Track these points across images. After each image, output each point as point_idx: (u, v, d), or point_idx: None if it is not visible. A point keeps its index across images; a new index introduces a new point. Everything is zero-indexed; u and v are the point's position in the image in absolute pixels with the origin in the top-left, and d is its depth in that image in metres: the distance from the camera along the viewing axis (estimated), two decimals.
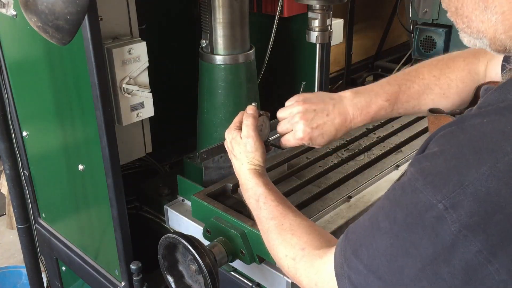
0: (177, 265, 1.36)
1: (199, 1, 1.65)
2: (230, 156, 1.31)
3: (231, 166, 1.34)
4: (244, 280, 1.47)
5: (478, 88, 1.02)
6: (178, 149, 2.07)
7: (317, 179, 1.59)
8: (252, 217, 1.37)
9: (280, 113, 1.29)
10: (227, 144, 1.31)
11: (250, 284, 1.45)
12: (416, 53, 2.77)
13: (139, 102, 1.58)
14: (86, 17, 1.22)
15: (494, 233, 0.65)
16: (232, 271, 1.49)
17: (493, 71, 1.18)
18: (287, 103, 1.29)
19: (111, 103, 1.51)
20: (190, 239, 1.27)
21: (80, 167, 1.59)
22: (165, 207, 1.68)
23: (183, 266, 1.35)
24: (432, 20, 2.67)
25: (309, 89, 2.11)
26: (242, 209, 1.42)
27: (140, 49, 1.54)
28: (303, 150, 1.73)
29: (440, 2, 2.75)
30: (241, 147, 1.25)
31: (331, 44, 2.09)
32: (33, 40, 1.54)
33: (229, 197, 1.52)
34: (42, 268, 2.16)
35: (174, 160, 2.11)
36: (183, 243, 1.27)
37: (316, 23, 1.66)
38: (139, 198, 1.87)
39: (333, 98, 1.25)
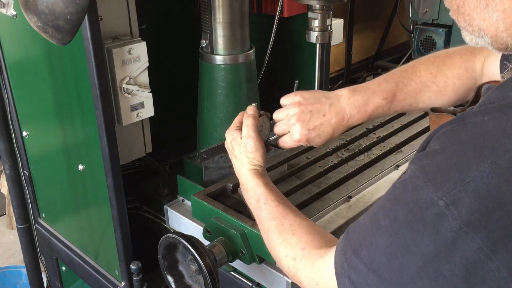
0: (177, 265, 1.36)
1: (199, 1, 1.65)
2: (231, 156, 1.31)
3: (231, 166, 1.34)
4: (244, 280, 1.47)
5: (479, 87, 1.02)
6: (178, 149, 2.07)
7: (317, 179, 1.59)
8: (252, 217, 1.37)
9: (277, 115, 1.28)
10: (228, 145, 1.31)
11: (250, 284, 1.45)
12: (416, 53, 2.77)
13: (139, 102, 1.58)
14: (86, 17, 1.22)
15: (494, 230, 0.65)
16: (232, 271, 1.49)
17: (490, 68, 1.19)
18: (283, 101, 1.28)
19: (111, 103, 1.51)
20: (190, 239, 1.27)
21: (80, 167, 1.59)
22: (165, 207, 1.68)
23: (183, 266, 1.35)
24: (432, 20, 2.67)
25: (309, 89, 2.11)
26: (242, 209, 1.42)
27: (140, 49, 1.54)
28: (303, 150, 1.73)
29: (440, 2, 2.75)
30: (241, 147, 1.25)
31: (331, 44, 2.09)
32: (33, 40, 1.54)
33: (229, 197, 1.52)
34: (42, 268, 2.16)
35: (174, 160, 2.10)
36: (183, 243, 1.27)
37: (316, 23, 1.66)
38: (139, 198, 1.87)
39: (329, 98, 1.24)
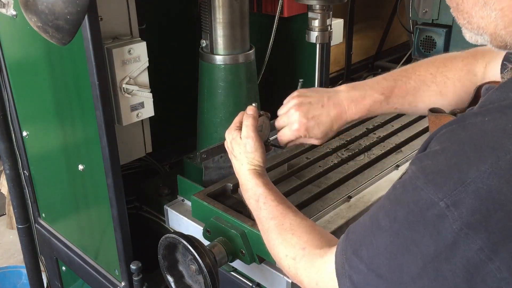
0: (177, 265, 1.36)
1: (199, 1, 1.65)
2: (230, 156, 1.31)
3: (231, 166, 1.34)
4: (244, 280, 1.47)
5: (479, 88, 1.02)
6: (178, 149, 2.07)
7: (317, 179, 1.59)
8: (252, 217, 1.37)
9: (280, 111, 1.31)
10: (227, 145, 1.31)
11: (250, 284, 1.45)
12: (416, 53, 2.77)
13: (139, 102, 1.58)
14: (86, 17, 1.22)
15: (495, 231, 0.65)
16: (232, 271, 1.49)
17: (492, 73, 1.19)
18: (285, 101, 1.30)
19: (111, 103, 1.51)
20: (190, 239, 1.27)
21: (80, 167, 1.59)
22: (165, 207, 1.68)
23: (183, 266, 1.35)
24: (432, 20, 2.67)
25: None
26: (242, 209, 1.42)
27: (140, 49, 1.54)
28: (303, 150, 1.73)
29: (440, 2, 2.75)
30: (241, 147, 1.25)
31: (331, 44, 2.09)
32: (33, 40, 1.54)
33: (229, 197, 1.52)
34: (42, 268, 2.16)
35: (174, 160, 2.10)
36: (183, 243, 1.27)
37: (316, 23, 1.66)
38: (139, 198, 1.87)
39: (328, 91, 1.27)
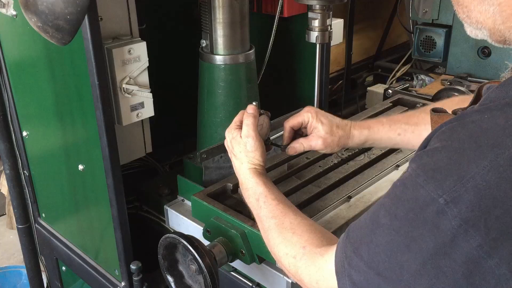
0: (177, 265, 1.36)
1: (199, 1, 1.65)
2: (230, 155, 1.31)
3: (231, 166, 1.34)
4: (244, 280, 1.47)
5: (480, 88, 1.02)
6: (178, 149, 2.07)
7: (317, 179, 1.59)
8: (252, 217, 1.37)
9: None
10: (227, 144, 1.31)
11: (250, 284, 1.45)
12: (416, 53, 2.78)
13: (139, 102, 1.58)
14: (86, 17, 1.22)
15: (494, 227, 0.66)
16: (232, 271, 1.49)
17: None
18: None
19: (111, 103, 1.51)
20: (190, 239, 1.27)
21: (80, 167, 1.59)
22: (165, 207, 1.68)
23: (183, 266, 1.35)
24: (432, 20, 2.67)
25: (309, 89, 2.11)
26: (242, 209, 1.42)
27: (140, 49, 1.54)
28: None
29: (440, 2, 2.75)
30: (241, 146, 1.25)
31: (331, 44, 2.09)
32: (33, 40, 1.54)
33: (229, 197, 1.52)
34: (42, 268, 2.16)
35: (174, 160, 2.10)
36: (183, 243, 1.27)
37: (316, 23, 1.66)
38: (139, 198, 1.87)
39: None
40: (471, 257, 0.67)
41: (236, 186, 1.51)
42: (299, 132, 1.40)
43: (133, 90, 1.55)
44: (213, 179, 1.65)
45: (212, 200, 1.46)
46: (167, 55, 2.06)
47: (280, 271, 1.34)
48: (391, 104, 2.09)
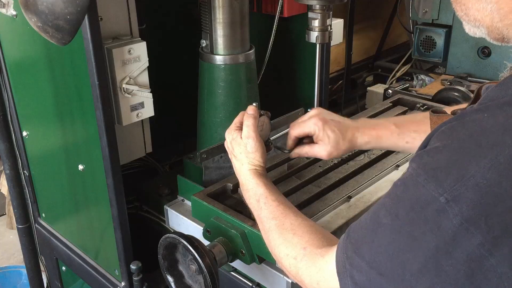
0: (177, 265, 1.36)
1: (199, 1, 1.65)
2: (230, 156, 1.31)
3: (231, 166, 1.34)
4: (244, 280, 1.47)
5: (479, 88, 1.03)
6: (178, 149, 2.07)
7: (317, 179, 1.59)
8: (252, 217, 1.37)
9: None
10: (227, 145, 1.31)
11: (250, 284, 1.45)
12: (416, 53, 2.78)
13: (139, 102, 1.58)
14: (86, 17, 1.22)
15: (495, 225, 0.66)
16: (232, 271, 1.49)
17: None
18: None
19: (111, 103, 1.51)
20: (190, 239, 1.27)
21: (80, 167, 1.59)
22: (165, 207, 1.68)
23: (183, 266, 1.35)
24: (432, 20, 2.68)
25: (309, 88, 2.11)
26: (242, 209, 1.42)
27: (140, 49, 1.54)
28: None
29: (440, 2, 2.74)
30: (242, 147, 1.25)
31: (331, 44, 2.09)
32: (33, 40, 1.54)
33: (229, 197, 1.52)
34: (42, 268, 2.16)
35: (174, 160, 2.10)
36: (183, 243, 1.27)
37: (316, 23, 1.65)
38: (139, 198, 1.87)
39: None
40: (473, 255, 0.67)
41: (236, 186, 1.51)
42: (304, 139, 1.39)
43: (133, 90, 1.55)
44: (213, 179, 1.65)
45: (212, 200, 1.46)
46: (167, 55, 2.06)
47: (280, 271, 1.34)
48: (391, 104, 2.09)
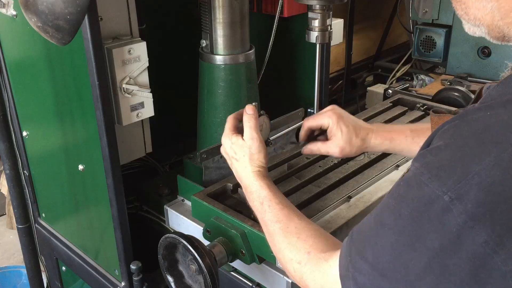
0: (177, 265, 1.36)
1: (199, 1, 1.65)
2: (230, 161, 1.29)
3: None
4: (244, 280, 1.47)
5: (481, 88, 1.03)
6: (178, 149, 2.07)
7: (317, 179, 1.59)
8: (252, 217, 1.37)
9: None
10: (226, 150, 1.29)
11: (250, 284, 1.45)
12: (416, 53, 2.78)
13: (139, 102, 1.58)
14: (86, 17, 1.22)
15: (500, 223, 0.65)
16: (232, 271, 1.49)
17: None
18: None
19: (111, 103, 1.51)
20: (190, 239, 1.27)
21: (80, 167, 1.59)
22: (165, 207, 1.68)
23: (183, 266, 1.35)
24: (432, 20, 2.68)
25: (309, 88, 2.11)
26: (242, 209, 1.42)
27: (140, 49, 1.54)
28: None
29: (440, 2, 2.74)
30: (245, 149, 1.24)
31: (331, 44, 2.09)
32: (33, 40, 1.54)
33: (229, 197, 1.52)
34: (42, 268, 2.16)
35: (174, 160, 2.10)
36: (183, 243, 1.27)
37: (316, 23, 1.65)
38: (139, 198, 1.87)
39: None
40: (477, 254, 0.67)
41: (236, 186, 1.51)
42: (316, 132, 1.39)
43: (133, 90, 1.55)
44: (213, 179, 1.65)
45: (212, 200, 1.46)
46: (167, 55, 2.06)
47: (280, 271, 1.34)
48: (391, 104, 2.09)
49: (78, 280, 2.02)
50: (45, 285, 2.23)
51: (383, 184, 1.58)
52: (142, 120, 1.66)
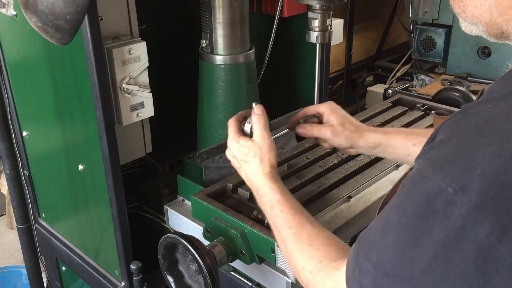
0: (177, 265, 1.36)
1: (199, 1, 1.65)
2: (239, 164, 1.26)
3: (231, 166, 1.33)
4: (244, 280, 1.47)
5: (484, 89, 1.04)
6: (178, 149, 2.07)
7: (317, 179, 1.59)
8: (252, 217, 1.37)
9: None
10: (233, 153, 1.27)
11: (250, 284, 1.45)
12: (416, 53, 2.78)
13: (139, 102, 1.58)
14: (86, 17, 1.22)
15: (503, 212, 0.65)
16: (232, 271, 1.49)
17: None
18: None
19: (111, 103, 1.51)
20: (190, 239, 1.27)
21: (80, 167, 1.59)
22: (165, 207, 1.68)
23: (183, 266, 1.35)
24: (432, 20, 2.68)
25: (309, 88, 2.11)
26: (242, 209, 1.42)
27: (140, 49, 1.54)
28: (303, 150, 1.73)
29: (440, 2, 2.74)
30: (256, 150, 1.22)
31: (331, 44, 2.09)
32: (33, 40, 1.54)
33: (229, 197, 1.52)
34: (42, 268, 2.16)
35: (174, 160, 2.10)
36: (183, 243, 1.27)
37: (316, 23, 1.65)
38: (139, 198, 1.87)
39: None
40: (482, 245, 0.66)
41: (236, 186, 1.51)
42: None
43: (133, 90, 1.55)
44: (213, 179, 1.65)
45: (212, 200, 1.46)
46: (167, 55, 2.06)
47: (280, 271, 1.34)
48: (391, 104, 2.09)
49: (78, 280, 2.02)
50: (45, 285, 2.23)
51: (383, 184, 1.58)
52: (142, 120, 1.67)
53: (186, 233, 1.32)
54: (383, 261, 0.76)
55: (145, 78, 1.58)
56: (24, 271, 2.31)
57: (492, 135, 0.68)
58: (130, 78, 1.54)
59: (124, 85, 1.53)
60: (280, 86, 2.27)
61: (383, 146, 1.35)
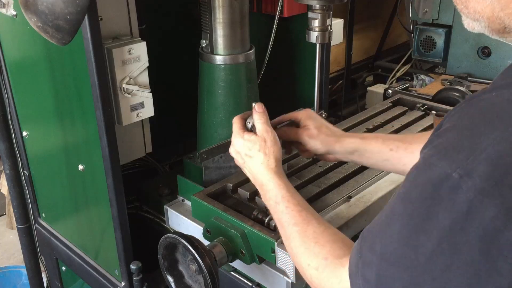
0: (177, 265, 1.36)
1: (199, 1, 1.65)
2: (243, 159, 1.27)
3: (231, 166, 1.34)
4: (244, 280, 1.47)
5: None
6: (178, 149, 2.07)
7: (317, 179, 1.59)
8: (252, 217, 1.37)
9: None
10: (237, 148, 1.27)
11: (250, 284, 1.45)
12: (416, 53, 2.78)
13: (139, 102, 1.58)
14: (86, 17, 1.22)
15: (509, 195, 0.66)
16: (232, 271, 1.49)
17: None
18: None
19: (111, 103, 1.51)
20: (190, 239, 1.27)
21: (80, 167, 1.59)
22: (165, 207, 1.68)
23: (183, 266, 1.35)
24: (432, 20, 2.68)
25: (309, 88, 2.11)
26: (242, 209, 1.42)
27: (140, 49, 1.54)
28: None
29: (440, 2, 2.74)
30: (260, 143, 1.23)
31: (331, 44, 2.09)
32: (33, 40, 1.54)
33: (229, 197, 1.52)
34: (42, 268, 2.16)
35: (174, 160, 2.10)
36: (183, 243, 1.27)
37: (316, 23, 1.65)
38: (139, 198, 1.87)
39: None
40: (488, 229, 0.66)
41: (236, 186, 1.51)
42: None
43: (133, 90, 1.55)
44: (213, 179, 1.65)
45: (212, 200, 1.46)
46: (167, 55, 2.06)
47: (280, 271, 1.34)
48: (391, 104, 2.09)
49: (78, 280, 2.02)
50: (45, 285, 2.23)
51: (383, 184, 1.58)
52: (142, 120, 1.67)
53: (186, 233, 1.32)
54: (388, 251, 0.76)
55: (145, 78, 1.58)
56: (24, 271, 2.31)
57: (497, 120, 0.69)
58: (130, 78, 1.54)
59: (124, 85, 1.53)
60: (280, 86, 2.27)
61: (360, 151, 1.33)
